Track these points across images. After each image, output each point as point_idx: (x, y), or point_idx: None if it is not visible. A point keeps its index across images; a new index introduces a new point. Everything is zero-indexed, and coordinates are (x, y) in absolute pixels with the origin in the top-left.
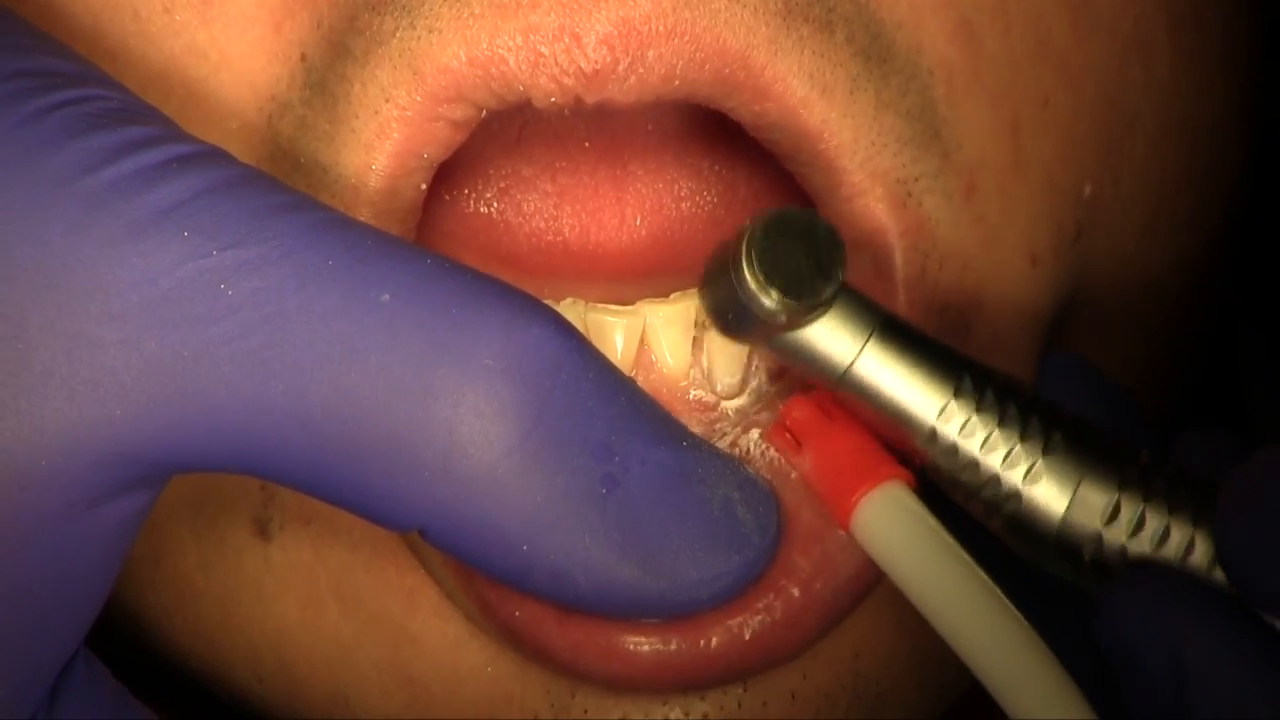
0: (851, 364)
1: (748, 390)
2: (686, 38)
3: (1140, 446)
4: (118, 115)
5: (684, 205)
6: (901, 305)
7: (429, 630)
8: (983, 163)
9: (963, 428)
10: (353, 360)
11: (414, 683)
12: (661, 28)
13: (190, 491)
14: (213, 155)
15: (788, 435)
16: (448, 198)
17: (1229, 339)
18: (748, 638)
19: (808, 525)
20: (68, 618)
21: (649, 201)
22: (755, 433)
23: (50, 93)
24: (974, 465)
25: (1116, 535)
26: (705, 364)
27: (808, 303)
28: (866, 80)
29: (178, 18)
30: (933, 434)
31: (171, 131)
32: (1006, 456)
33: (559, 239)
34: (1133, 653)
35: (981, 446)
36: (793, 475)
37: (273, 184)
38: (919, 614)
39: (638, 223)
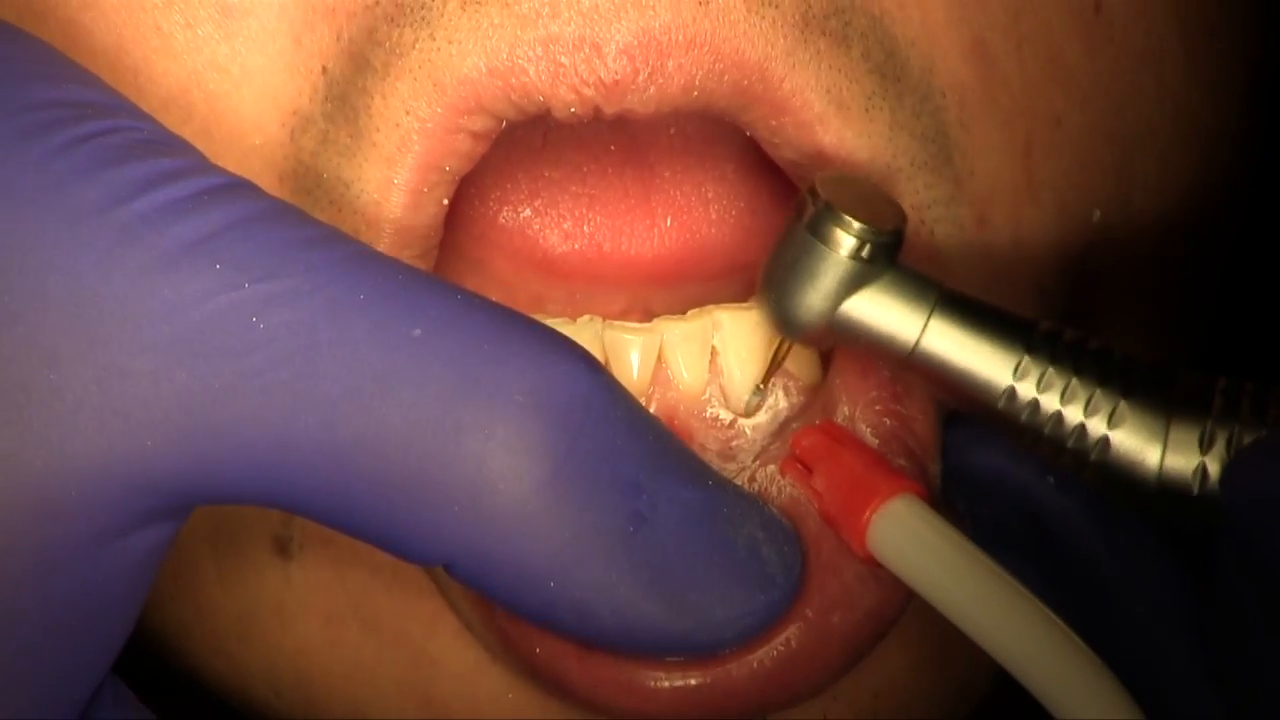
0: (920, 335)
1: (765, 408)
2: (706, 48)
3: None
4: (148, 146)
5: (712, 208)
6: None
7: (449, 654)
8: (994, 191)
9: (1040, 383)
10: (383, 394)
11: (433, 705)
12: (681, 38)
13: (211, 509)
14: (243, 187)
15: (799, 465)
16: (478, 203)
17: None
18: (768, 670)
19: (828, 558)
20: (96, 646)
21: (677, 203)
22: (772, 467)
23: (83, 123)
24: (1057, 418)
25: (1216, 464)
26: (722, 382)
27: (887, 230)
28: (882, 99)
29: (199, 33)
30: (1011, 393)
31: (201, 163)
32: (1089, 404)
33: (590, 240)
34: (1271, 510)
35: (1062, 398)
36: (810, 508)
37: (303, 217)
38: (938, 654)
39: (668, 224)
